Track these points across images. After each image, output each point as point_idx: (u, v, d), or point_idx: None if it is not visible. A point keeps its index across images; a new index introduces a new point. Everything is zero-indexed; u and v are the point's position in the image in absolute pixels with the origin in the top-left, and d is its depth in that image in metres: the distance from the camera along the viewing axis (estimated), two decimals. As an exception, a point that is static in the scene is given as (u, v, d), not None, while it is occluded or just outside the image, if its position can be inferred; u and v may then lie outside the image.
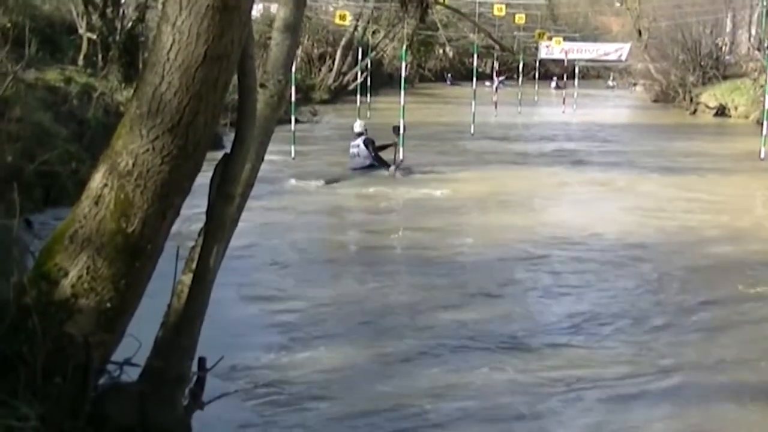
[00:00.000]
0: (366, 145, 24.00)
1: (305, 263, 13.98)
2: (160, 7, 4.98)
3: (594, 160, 27.63)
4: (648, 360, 9.84)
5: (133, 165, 5.00)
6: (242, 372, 8.98)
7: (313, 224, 17.04)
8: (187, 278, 5.76)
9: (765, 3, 46.66)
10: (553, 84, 55.16)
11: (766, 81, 31.25)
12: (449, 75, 74.65)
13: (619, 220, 17.57)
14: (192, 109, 4.90)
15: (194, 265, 5.71)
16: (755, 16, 56.77)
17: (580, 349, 10.16)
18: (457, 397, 8.65)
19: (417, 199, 19.62)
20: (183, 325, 5.68)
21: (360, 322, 10.94)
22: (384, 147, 24.15)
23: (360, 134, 24.34)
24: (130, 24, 27.61)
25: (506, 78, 49.40)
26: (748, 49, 57.08)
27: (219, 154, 5.56)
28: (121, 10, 28.27)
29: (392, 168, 23.45)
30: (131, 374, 5.78)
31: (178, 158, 5.00)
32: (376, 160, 23.87)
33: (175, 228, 5.46)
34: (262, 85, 6.04)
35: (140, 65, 24.12)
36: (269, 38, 6.34)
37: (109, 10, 27.86)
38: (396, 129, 24.14)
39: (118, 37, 27.22)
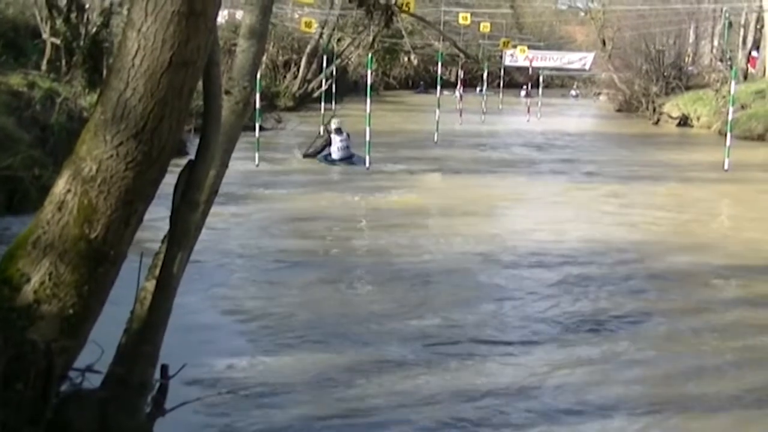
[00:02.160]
0: (348, 137, 26.47)
1: (269, 270, 13.96)
2: (125, 12, 4.96)
3: (557, 168, 27.76)
4: (611, 366, 9.90)
5: (97, 171, 4.98)
6: (206, 378, 8.95)
7: (278, 231, 17.01)
8: (151, 285, 5.74)
9: (727, 15, 47.01)
10: (523, 93, 55.40)
11: (728, 92, 31.47)
12: (421, 83, 74.68)
13: (582, 229, 17.63)
14: (157, 115, 4.88)
15: (158, 272, 5.69)
16: (718, 27, 57.30)
17: (542, 355, 10.20)
18: (418, 404, 8.66)
19: (380, 207, 19.65)
20: (146, 332, 5.66)
21: (324, 329, 10.92)
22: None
23: (341, 129, 26.47)
24: (94, 29, 27.49)
25: (485, 87, 49.73)
26: (711, 60, 57.65)
27: (184, 161, 5.55)
28: (85, 16, 28.16)
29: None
30: (93, 381, 5.74)
31: (142, 164, 4.98)
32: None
33: (138, 234, 5.43)
34: (227, 92, 6.03)
35: (104, 71, 24.05)
36: (234, 45, 6.33)
37: (73, 15, 27.75)
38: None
39: (82, 43, 27.10)
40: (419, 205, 20.01)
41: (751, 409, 8.85)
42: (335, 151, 26.42)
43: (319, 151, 27.07)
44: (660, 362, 10.14)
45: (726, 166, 26.67)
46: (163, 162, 5.12)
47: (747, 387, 9.31)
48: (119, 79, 4.86)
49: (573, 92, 75.97)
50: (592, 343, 10.78)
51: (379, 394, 8.88)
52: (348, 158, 26.19)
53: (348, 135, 26.62)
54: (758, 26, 53.78)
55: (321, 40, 50.93)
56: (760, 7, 50.88)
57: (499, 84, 58.80)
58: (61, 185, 5.14)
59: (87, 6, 28.94)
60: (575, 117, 54.77)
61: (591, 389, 9.22)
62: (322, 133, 28.26)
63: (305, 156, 27.42)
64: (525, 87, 56.12)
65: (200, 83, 5.27)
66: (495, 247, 15.70)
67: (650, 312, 12.03)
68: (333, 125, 26.93)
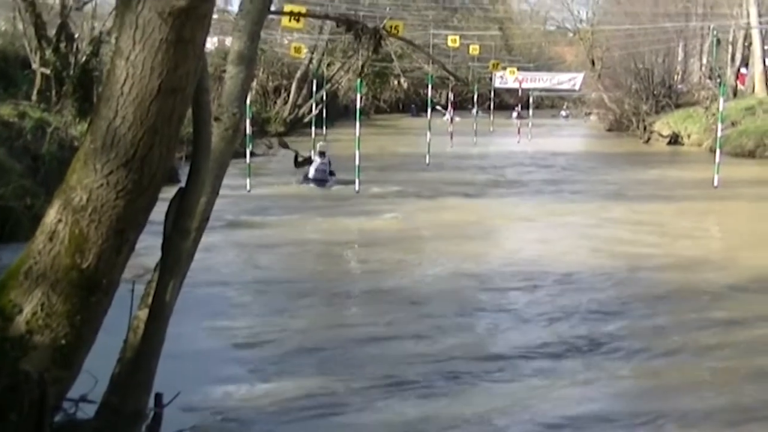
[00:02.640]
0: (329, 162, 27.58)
1: (263, 295, 13.96)
2: (114, 41, 4.93)
3: (549, 189, 27.77)
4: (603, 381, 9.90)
5: (88, 200, 4.96)
6: (202, 406, 8.92)
7: (270, 256, 16.99)
8: (144, 313, 5.72)
9: (715, 32, 47.16)
10: (514, 114, 55.50)
11: (718, 109, 31.52)
12: (413, 106, 74.53)
13: (573, 249, 17.63)
14: (146, 143, 4.87)
15: (150, 300, 5.67)
16: (706, 45, 57.44)
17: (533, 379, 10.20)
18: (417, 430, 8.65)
19: (372, 230, 19.64)
20: (139, 361, 5.64)
21: (319, 354, 10.90)
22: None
23: (324, 153, 27.69)
24: (84, 58, 27.51)
25: (476, 109, 50.04)
26: (700, 77, 57.78)
27: (175, 188, 5.54)
28: (74, 45, 28.20)
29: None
30: (87, 411, 5.72)
31: (133, 192, 4.97)
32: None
33: (130, 262, 5.42)
34: (217, 119, 6.01)
35: (95, 99, 24.03)
36: (224, 71, 6.31)
37: (62, 45, 27.79)
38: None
39: (72, 72, 27.12)
40: (410, 227, 20.00)
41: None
42: (311, 171, 27.48)
43: (305, 162, 28.73)
44: (651, 379, 10.14)
45: (716, 183, 26.67)
46: (154, 190, 5.10)
47: (742, 403, 9.32)
48: (108, 107, 4.85)
49: (563, 113, 76.02)
50: (583, 362, 10.77)
51: (376, 421, 8.86)
52: (321, 180, 27.07)
53: (329, 161, 27.62)
54: (746, 43, 53.95)
55: (311, 65, 50.99)
56: (748, 23, 51.03)
57: (489, 106, 58.89)
58: (52, 215, 5.13)
59: (76, 35, 29.01)
60: (566, 137, 54.82)
61: (583, 405, 9.22)
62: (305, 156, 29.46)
63: (297, 164, 29.17)
64: (516, 108, 56.23)
65: (190, 110, 5.26)
66: (486, 268, 15.69)
67: (641, 330, 12.03)
68: (318, 148, 28.41)
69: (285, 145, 32.81)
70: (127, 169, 4.90)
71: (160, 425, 5.90)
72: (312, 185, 26.87)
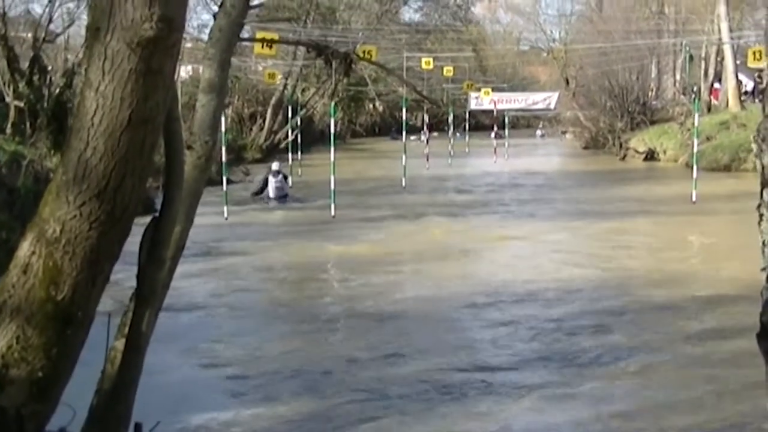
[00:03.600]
0: (285, 179, 30.24)
1: (242, 322, 13.93)
2: (83, 72, 4.93)
3: (527, 209, 27.85)
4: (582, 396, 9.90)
5: (61, 232, 4.94)
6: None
7: (249, 283, 16.98)
8: (120, 344, 5.70)
9: (688, 49, 47.42)
10: (493, 134, 55.65)
11: (693, 125, 31.68)
12: (393, 129, 74.37)
13: (553, 268, 17.67)
14: (118, 174, 4.85)
15: (127, 331, 5.65)
16: (679, 61, 57.76)
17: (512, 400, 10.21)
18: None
19: (350, 254, 19.63)
20: (117, 392, 5.61)
21: (301, 380, 10.89)
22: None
23: (279, 171, 30.24)
24: (57, 90, 27.50)
25: (452, 130, 50.29)
26: (674, 93, 58.14)
27: (150, 218, 5.53)
28: (48, 77, 28.18)
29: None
30: (67, 444, 5.70)
31: (106, 223, 4.95)
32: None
33: (106, 294, 5.40)
34: (189, 147, 6.00)
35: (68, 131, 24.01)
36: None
37: (35, 77, 27.77)
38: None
39: (45, 104, 27.09)
40: (387, 251, 19.99)
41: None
42: (271, 190, 29.75)
43: (259, 191, 30.34)
44: (633, 395, 10.16)
45: (694, 198, 26.79)
46: (128, 220, 5.08)
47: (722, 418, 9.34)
48: (79, 138, 4.84)
49: (539, 132, 76.28)
50: (569, 379, 10.78)
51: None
52: (282, 197, 29.53)
53: (285, 177, 30.31)
54: (719, 58, 54.33)
55: (285, 91, 51.07)
56: (720, 39, 51.35)
57: (465, 127, 59.05)
58: (25, 248, 5.11)
59: (49, 68, 28.98)
60: (542, 156, 55.01)
61: (570, 424, 9.23)
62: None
63: (253, 195, 30.36)
64: (494, 129, 56.34)
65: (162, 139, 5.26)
66: (465, 289, 15.70)
67: (623, 346, 12.06)
68: (272, 167, 30.73)
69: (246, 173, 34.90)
70: (100, 201, 4.89)
71: (139, 456, 5.87)
72: (275, 203, 29.16)
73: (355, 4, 59.14)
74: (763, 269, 2.25)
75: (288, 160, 37.61)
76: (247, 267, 18.38)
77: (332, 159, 25.61)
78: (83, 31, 26.91)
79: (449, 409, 9.79)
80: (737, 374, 10.49)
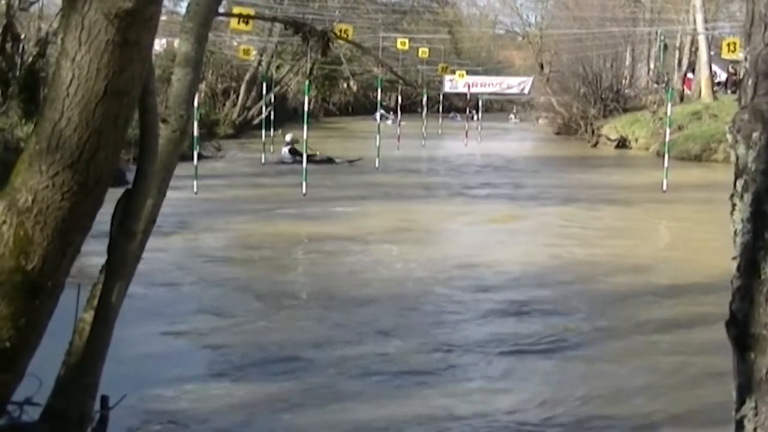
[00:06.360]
0: (290, 153, 34.54)
1: (213, 297, 13.92)
2: (59, 42, 4.89)
3: (498, 192, 27.87)
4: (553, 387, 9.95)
5: (33, 201, 4.92)
6: (150, 409, 8.89)
7: (218, 258, 16.95)
8: (89, 316, 5.69)
9: (663, 38, 47.50)
10: (475, 118, 55.40)
11: (665, 114, 31.77)
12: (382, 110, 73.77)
13: (521, 252, 17.72)
14: (92, 145, 4.83)
15: (96, 303, 5.64)
16: (654, 50, 57.91)
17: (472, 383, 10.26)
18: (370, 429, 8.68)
19: (320, 233, 19.61)
20: (85, 364, 5.60)
21: (269, 356, 10.90)
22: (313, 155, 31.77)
23: (288, 143, 35.32)
24: (30, 59, 27.31)
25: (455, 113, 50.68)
26: (648, 82, 58.28)
27: (122, 190, 5.51)
28: (20, 46, 27.98)
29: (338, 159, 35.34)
30: (33, 414, 5.68)
31: (78, 194, 4.93)
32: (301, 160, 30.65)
33: (76, 265, 5.39)
34: (164, 120, 5.99)
35: (41, 101, 23.86)
36: (172, 73, 6.29)
37: (8, 46, 27.55)
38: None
39: (17, 73, 26.90)
40: (358, 230, 19.97)
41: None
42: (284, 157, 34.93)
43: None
44: (594, 380, 10.21)
45: (665, 187, 26.89)
46: (100, 192, 5.07)
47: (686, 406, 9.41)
48: (54, 109, 4.82)
49: (512, 116, 76.27)
50: (535, 365, 10.84)
51: (327, 422, 8.88)
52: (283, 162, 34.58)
53: (292, 149, 34.62)
54: (693, 48, 54.45)
55: (260, 68, 50.89)
56: (694, 29, 51.48)
57: (438, 109, 59.02)
58: (-5, 217, 5.08)
59: (22, 36, 28.76)
60: (515, 141, 55.05)
61: (538, 407, 9.28)
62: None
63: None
64: (468, 111, 56.19)
65: (137, 112, 5.24)
66: (435, 272, 15.73)
67: (588, 334, 12.11)
68: (286, 138, 36.11)
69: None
70: (73, 171, 4.87)
71: (106, 428, 5.86)
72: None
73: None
74: (734, 258, 2.27)
75: (261, 136, 37.51)
76: (215, 243, 18.35)
77: (305, 137, 25.59)
78: (58, 0, 26.77)
79: (410, 390, 9.82)
80: (706, 362, 10.58)
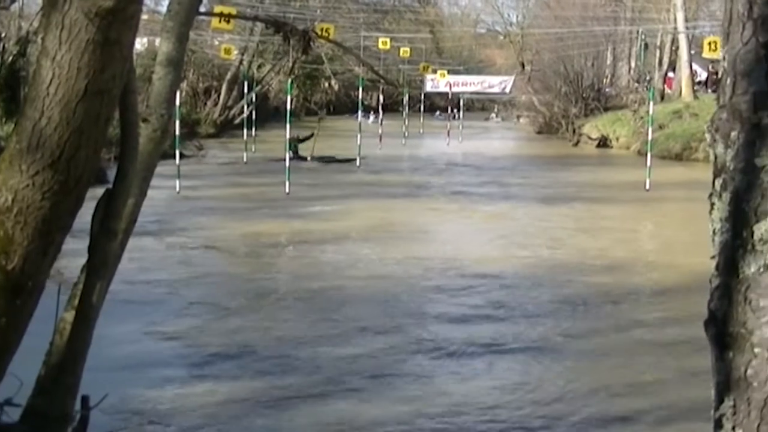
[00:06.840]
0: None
1: (194, 296, 13.90)
2: (40, 41, 4.88)
3: (478, 191, 27.89)
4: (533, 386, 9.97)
5: (13, 201, 4.91)
6: (130, 407, 8.88)
7: (201, 257, 16.93)
8: (70, 315, 5.68)
9: (644, 37, 47.61)
10: (443, 115, 55.33)
11: (647, 113, 31.85)
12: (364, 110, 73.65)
13: (503, 251, 17.74)
14: (73, 144, 4.82)
15: (77, 302, 5.63)
16: (634, 49, 58.05)
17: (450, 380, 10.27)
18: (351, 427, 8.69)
19: (302, 231, 19.61)
20: (66, 363, 5.59)
21: (249, 355, 10.90)
22: (306, 138, 34.51)
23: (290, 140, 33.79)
24: (10, 58, 27.23)
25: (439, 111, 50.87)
26: (629, 81, 58.37)
27: (103, 189, 5.50)
28: (1, 45, 27.88)
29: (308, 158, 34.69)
30: (13, 415, 5.67)
31: (59, 194, 4.92)
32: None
33: (56, 265, 5.38)
34: (145, 120, 5.98)
35: (21, 100, 23.80)
36: (153, 72, 6.28)
37: (-11, 45, 27.49)
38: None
39: (-2, 72, 26.84)
40: (340, 229, 19.98)
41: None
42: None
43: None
44: (576, 380, 10.24)
45: (647, 186, 26.98)
46: (81, 191, 5.06)
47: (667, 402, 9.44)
48: (34, 108, 4.81)
49: (493, 115, 76.28)
50: (515, 364, 10.86)
51: (307, 421, 8.89)
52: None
53: (294, 148, 33.29)
54: (673, 47, 54.59)
55: (241, 67, 50.83)
56: (675, 28, 51.63)
57: (420, 108, 59.02)
58: (-24, 217, 5.07)
59: (3, 35, 28.68)
60: (496, 139, 55.09)
61: (516, 406, 9.30)
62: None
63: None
64: (450, 110, 56.22)
65: (118, 111, 5.23)
66: (415, 270, 15.75)
67: (567, 333, 12.13)
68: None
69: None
70: (53, 170, 4.86)
71: (86, 428, 5.85)
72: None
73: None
74: (713, 257, 2.28)
75: (243, 135, 37.47)
76: (197, 242, 18.31)
77: (287, 136, 25.61)
78: (38, -1, 26.71)
79: (387, 388, 9.85)
80: (686, 360, 10.62)
